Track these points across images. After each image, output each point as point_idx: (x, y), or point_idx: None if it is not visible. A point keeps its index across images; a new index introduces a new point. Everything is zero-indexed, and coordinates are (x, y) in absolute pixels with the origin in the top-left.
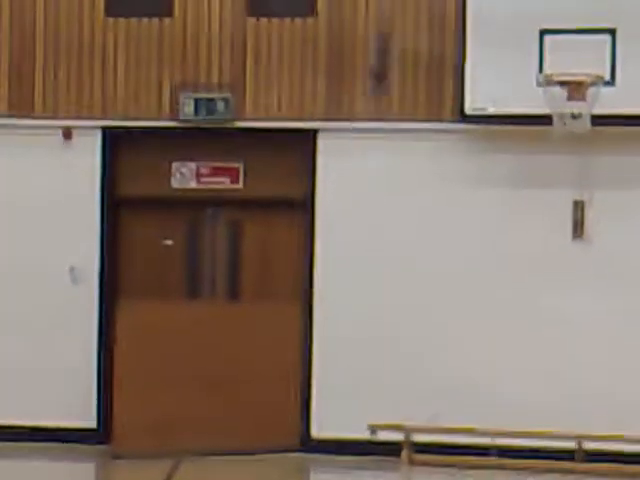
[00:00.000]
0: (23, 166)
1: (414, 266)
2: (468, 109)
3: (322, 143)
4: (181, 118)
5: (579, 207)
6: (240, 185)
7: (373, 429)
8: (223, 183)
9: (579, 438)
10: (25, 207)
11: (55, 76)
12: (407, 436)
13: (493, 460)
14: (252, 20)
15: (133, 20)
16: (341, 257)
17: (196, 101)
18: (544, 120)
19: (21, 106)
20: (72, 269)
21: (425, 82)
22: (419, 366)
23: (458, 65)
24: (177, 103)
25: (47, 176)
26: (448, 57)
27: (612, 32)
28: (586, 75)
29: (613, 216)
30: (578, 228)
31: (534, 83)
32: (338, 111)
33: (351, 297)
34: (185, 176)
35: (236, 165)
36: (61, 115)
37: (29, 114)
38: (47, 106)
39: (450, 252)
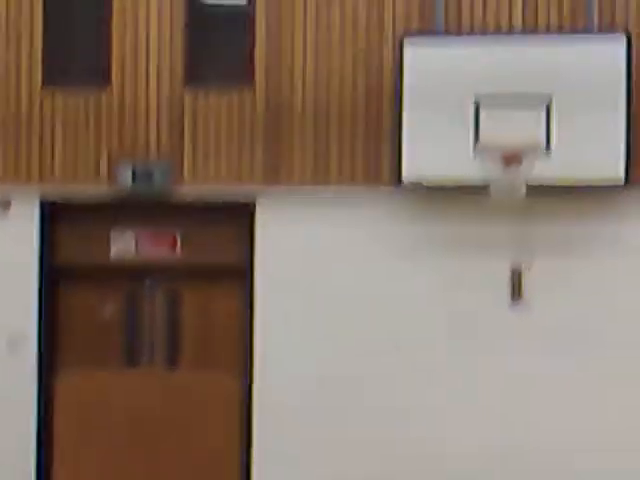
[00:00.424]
0: None
1: (354, 335)
2: (405, 176)
3: (260, 211)
4: (119, 187)
5: (516, 273)
6: (178, 253)
7: None
8: (161, 252)
9: None
10: None
11: None
12: None
13: None
14: (189, 90)
15: (71, 89)
16: (281, 326)
17: (134, 170)
18: (481, 188)
19: None
20: (9, 339)
21: (363, 149)
22: (362, 434)
23: (394, 131)
24: (115, 172)
25: None
26: (386, 124)
27: (548, 99)
28: (521, 143)
29: (550, 283)
30: (515, 293)
31: (470, 151)
32: (276, 177)
33: (291, 366)
34: (123, 245)
35: (175, 234)
36: None
37: None
38: None
39: (390, 321)
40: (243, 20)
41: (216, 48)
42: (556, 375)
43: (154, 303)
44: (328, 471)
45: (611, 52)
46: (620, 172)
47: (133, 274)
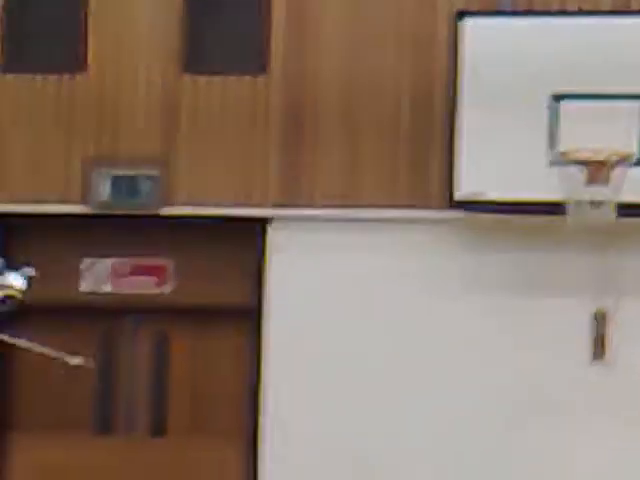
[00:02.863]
0: None
1: (388, 396)
2: (459, 194)
3: (274, 235)
4: (94, 202)
5: (600, 319)
6: (168, 288)
7: None
8: (147, 286)
9: None
10: None
11: None
12: None
13: None
14: (188, 78)
15: (37, 78)
16: (297, 382)
17: (114, 180)
18: (556, 208)
19: None
20: None
21: (406, 160)
22: None
23: (447, 139)
24: (89, 182)
25: None
26: (436, 129)
27: None
28: (610, 152)
29: None
30: (598, 347)
31: (544, 162)
32: (294, 195)
33: (310, 431)
34: (98, 276)
35: (163, 263)
36: None
37: None
38: None
39: (431, 371)
40: None
41: (222, 26)
42: None
43: (135, 351)
44: None
45: None
46: None
47: (109, 313)
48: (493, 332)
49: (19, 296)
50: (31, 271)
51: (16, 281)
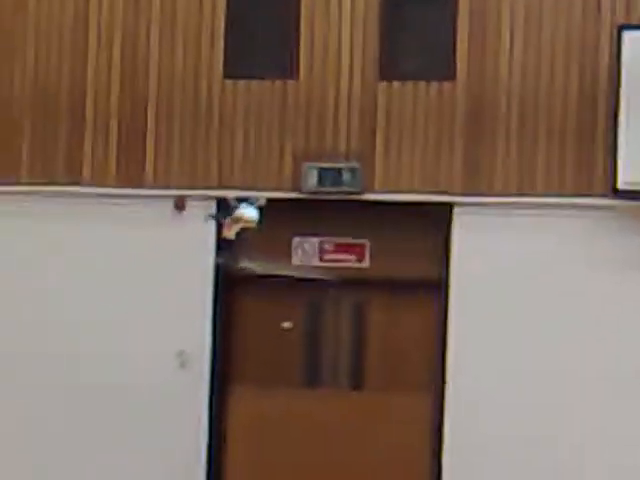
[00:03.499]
0: (133, 238)
1: (559, 362)
2: (621, 183)
3: (458, 219)
4: (304, 190)
5: None
6: (366, 264)
7: None
8: (348, 261)
9: None
10: (133, 282)
11: (168, 143)
12: None
13: None
14: (384, 84)
15: (254, 82)
16: (478, 345)
17: (320, 171)
18: None
19: (131, 175)
20: (181, 352)
21: (573, 153)
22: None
23: (610, 133)
24: (300, 173)
25: (157, 249)
26: (599, 125)
27: None
28: None
29: None
30: None
31: None
32: (476, 183)
33: (489, 391)
34: (307, 253)
35: (362, 242)
36: (173, 185)
37: (140, 184)
38: (158, 175)
39: (596, 347)
40: (444, 7)
41: (413, 38)
42: None
43: (339, 319)
44: None
45: None
46: None
47: (316, 284)
48: None
49: (254, 226)
50: (263, 201)
51: (249, 213)
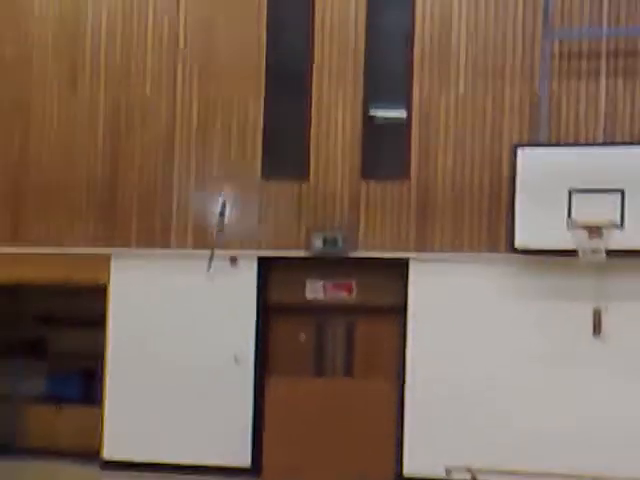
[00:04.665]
0: (203, 284)
1: (485, 352)
2: (518, 244)
3: (413, 268)
4: (313, 250)
5: (597, 315)
6: (354, 297)
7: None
8: (342, 295)
9: None
10: (203, 313)
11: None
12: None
13: None
14: (364, 182)
15: (284, 182)
16: (429, 346)
17: (324, 238)
18: (572, 253)
19: (200, 241)
20: (236, 355)
21: (486, 225)
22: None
23: (510, 214)
24: (310, 239)
25: (221, 289)
26: (502, 206)
27: (622, 192)
28: (602, 220)
29: (624, 321)
30: (597, 330)
31: (565, 226)
32: (424, 245)
33: (439, 375)
34: (315, 290)
35: (351, 282)
36: (229, 247)
37: (206, 246)
38: (219, 241)
39: (503, 348)
40: (402, 131)
41: (382, 150)
42: (629, 396)
43: (336, 332)
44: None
45: None
46: None
47: (322, 311)
48: (535, 320)
49: None
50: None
51: None
